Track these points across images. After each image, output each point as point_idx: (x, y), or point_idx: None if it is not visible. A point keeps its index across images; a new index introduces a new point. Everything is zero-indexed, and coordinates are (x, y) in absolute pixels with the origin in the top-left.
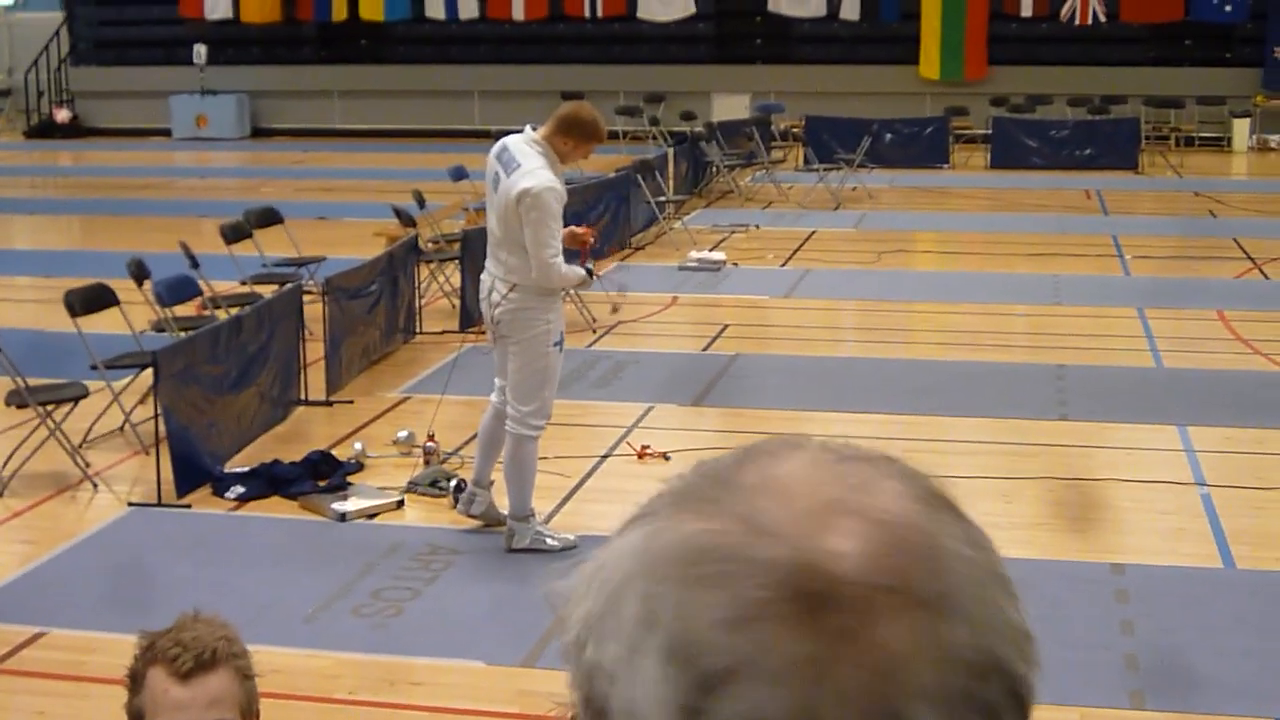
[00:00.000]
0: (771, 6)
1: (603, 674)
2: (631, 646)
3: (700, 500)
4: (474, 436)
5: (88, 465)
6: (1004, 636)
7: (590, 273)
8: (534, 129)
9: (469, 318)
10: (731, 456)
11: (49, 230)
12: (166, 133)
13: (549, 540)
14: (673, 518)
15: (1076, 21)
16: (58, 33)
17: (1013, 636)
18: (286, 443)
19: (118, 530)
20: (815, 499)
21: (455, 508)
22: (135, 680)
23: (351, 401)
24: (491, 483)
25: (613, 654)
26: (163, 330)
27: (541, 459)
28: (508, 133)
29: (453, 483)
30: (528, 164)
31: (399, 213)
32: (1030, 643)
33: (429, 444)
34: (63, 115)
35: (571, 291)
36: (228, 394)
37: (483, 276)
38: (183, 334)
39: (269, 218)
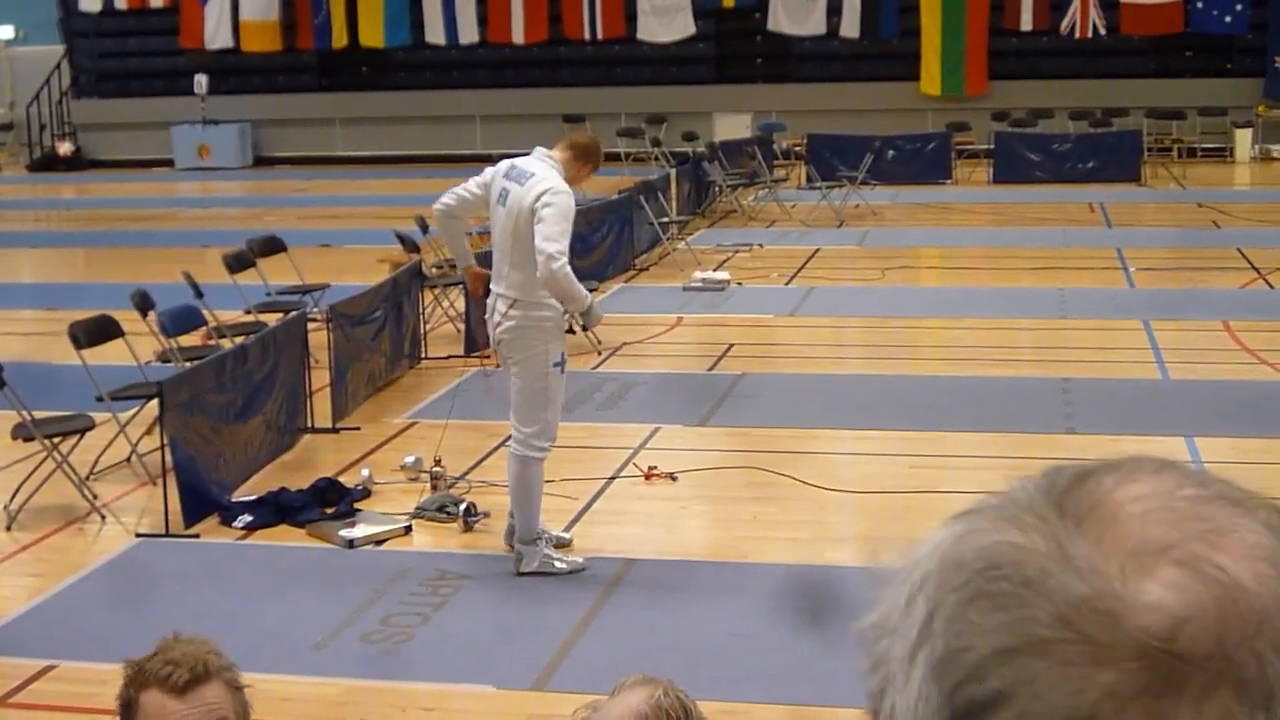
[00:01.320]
0: (771, 26)
1: (887, 671)
2: (910, 651)
3: (1027, 510)
4: (480, 460)
5: (95, 497)
6: None
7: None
8: (544, 149)
9: (473, 342)
10: (1086, 467)
11: (53, 263)
12: (169, 163)
13: (557, 564)
14: (993, 521)
15: (1077, 35)
16: (59, 66)
17: None
18: (293, 470)
19: (126, 561)
20: (1147, 537)
21: (463, 530)
22: (128, 707)
23: (358, 428)
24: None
25: (898, 653)
26: (168, 361)
27: (548, 481)
28: (509, 156)
29: (461, 507)
30: (542, 174)
31: (402, 239)
32: None
33: (436, 469)
34: (65, 148)
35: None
36: (234, 423)
37: (489, 300)
38: (188, 364)
39: (272, 246)
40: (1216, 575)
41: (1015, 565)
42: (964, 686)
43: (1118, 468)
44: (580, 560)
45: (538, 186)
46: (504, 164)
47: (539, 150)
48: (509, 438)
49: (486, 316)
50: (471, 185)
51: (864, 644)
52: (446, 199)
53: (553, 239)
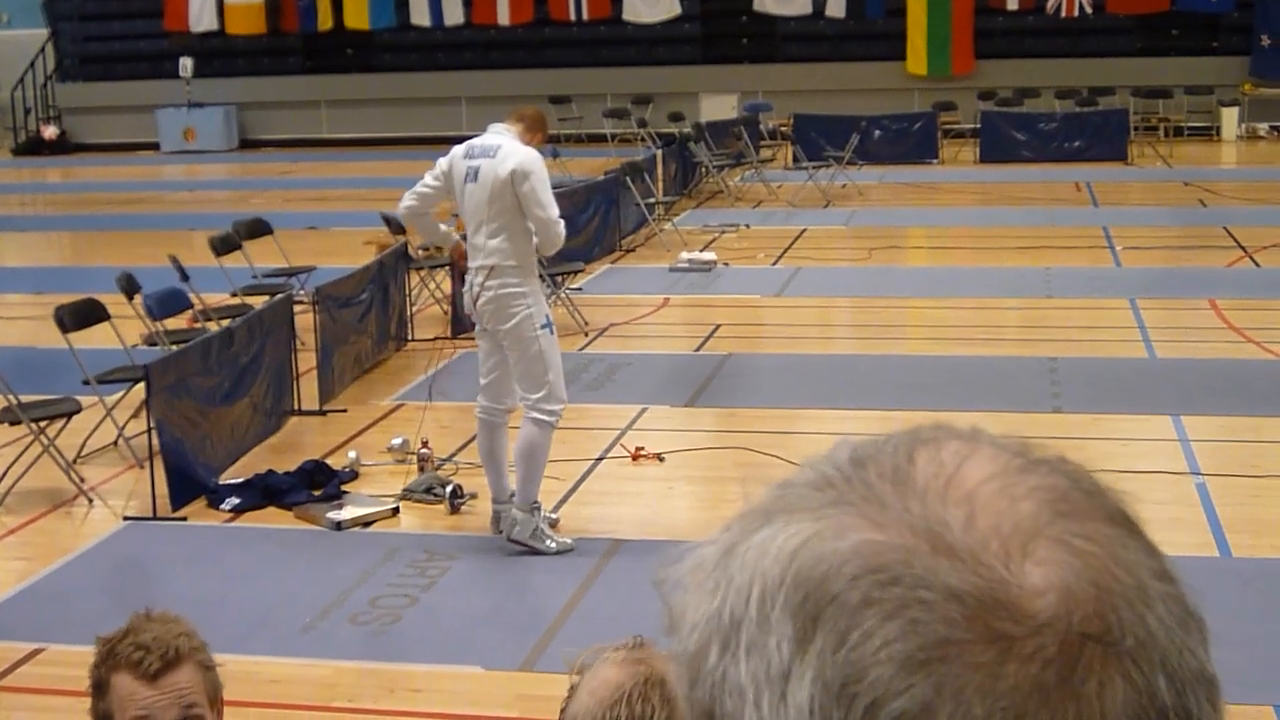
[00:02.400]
0: (757, 6)
1: (733, 691)
2: (782, 669)
3: (866, 500)
4: (468, 442)
5: (82, 480)
6: (1199, 688)
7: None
8: (501, 124)
9: (460, 324)
10: (891, 445)
11: (39, 247)
12: (154, 146)
13: (548, 542)
14: (832, 519)
15: (1063, 14)
16: (43, 49)
17: (1206, 689)
18: (280, 453)
19: (114, 544)
20: (1007, 516)
21: (450, 511)
22: (99, 687)
23: (344, 410)
24: (513, 494)
25: (752, 671)
26: (154, 344)
27: None
28: None
29: (448, 489)
30: (509, 145)
31: (388, 221)
32: (1217, 691)
33: (423, 450)
34: (50, 132)
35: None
36: (221, 406)
37: (467, 277)
38: (174, 347)
39: (258, 229)
40: (1082, 546)
41: (897, 565)
42: (880, 706)
43: (927, 438)
44: (569, 541)
45: (511, 158)
46: (458, 148)
47: (496, 125)
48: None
49: (464, 291)
50: (428, 180)
51: (679, 661)
52: (408, 200)
53: (548, 204)
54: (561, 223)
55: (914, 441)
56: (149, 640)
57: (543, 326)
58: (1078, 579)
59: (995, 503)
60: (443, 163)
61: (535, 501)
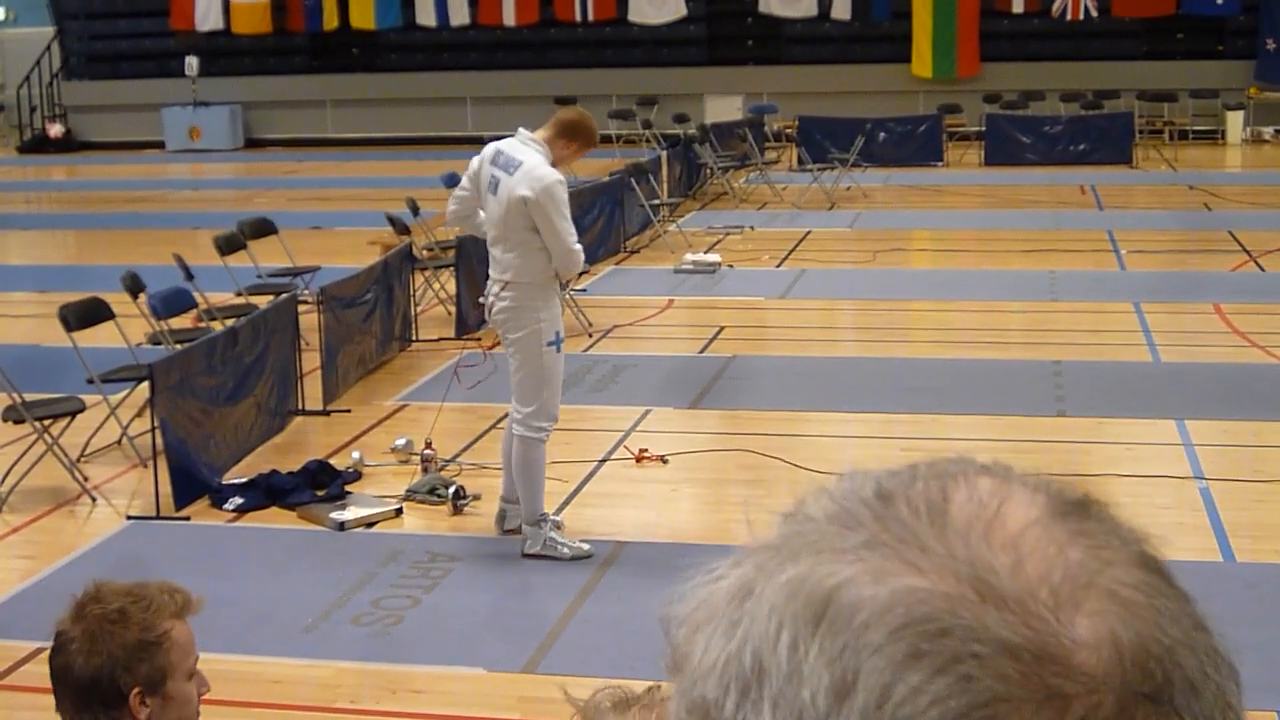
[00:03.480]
0: (763, 8)
1: None
2: None
3: (903, 541)
4: (471, 443)
5: (86, 479)
6: None
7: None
8: (527, 131)
9: (465, 325)
10: (919, 479)
11: (43, 245)
12: (160, 145)
13: (561, 548)
14: (868, 561)
15: (1068, 17)
16: (49, 48)
17: None
18: (284, 453)
19: (117, 543)
20: (1057, 563)
21: (454, 512)
22: (156, 646)
23: (349, 410)
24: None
25: None
26: (158, 343)
27: None
28: (500, 138)
29: (451, 490)
30: (529, 161)
31: (393, 221)
32: None
33: (426, 451)
34: (56, 130)
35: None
36: (224, 405)
37: (487, 284)
38: (178, 346)
39: (263, 228)
40: (1125, 595)
41: (944, 615)
42: None
43: (958, 475)
44: (586, 547)
45: (524, 182)
46: (489, 150)
47: (522, 133)
48: (504, 417)
49: (482, 300)
50: (464, 183)
51: (692, 709)
52: (451, 206)
53: (564, 233)
54: (579, 250)
55: (942, 475)
56: (157, 585)
57: (550, 344)
58: (1127, 631)
59: (1043, 549)
60: (473, 163)
61: (541, 514)
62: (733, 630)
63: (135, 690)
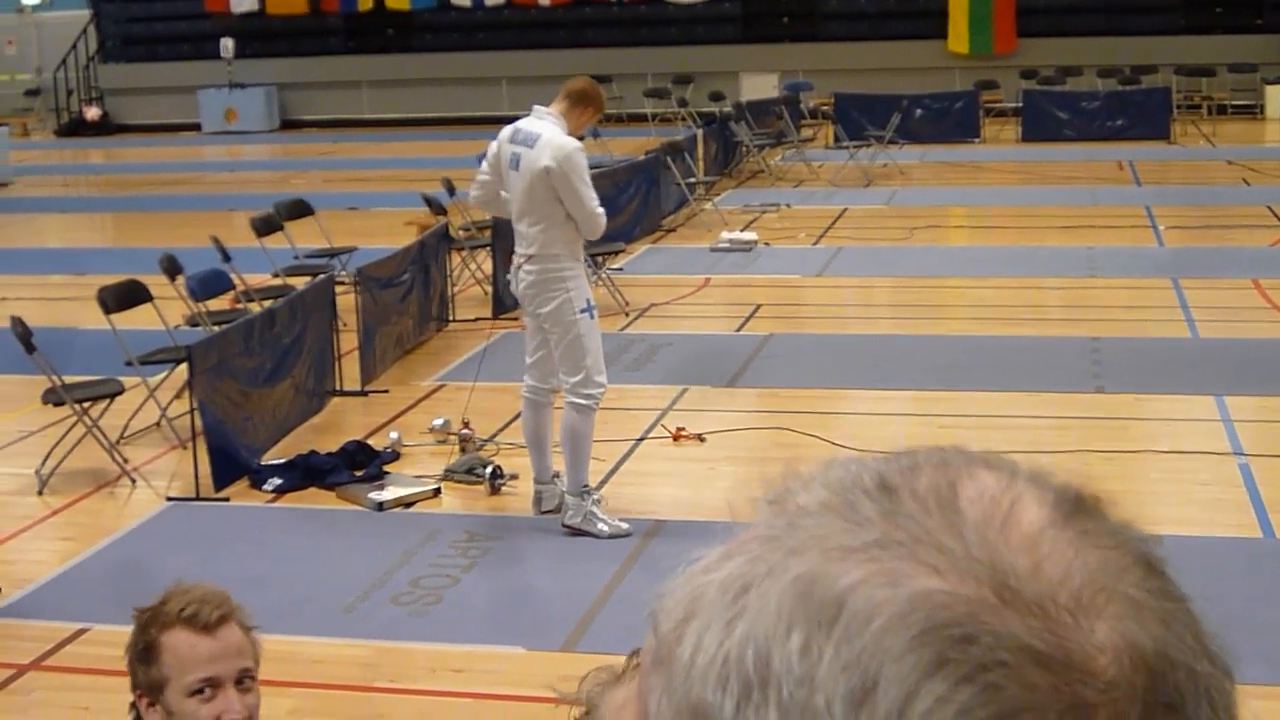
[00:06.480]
0: None
1: None
2: None
3: (916, 540)
4: (509, 423)
5: (125, 461)
6: None
7: None
8: (543, 107)
9: (501, 304)
10: (921, 470)
11: (81, 228)
12: (196, 127)
13: (600, 525)
14: (880, 560)
15: None
16: (85, 31)
17: None
18: (322, 433)
19: (157, 525)
20: (1076, 566)
21: (491, 492)
22: (148, 651)
23: (386, 391)
24: (556, 475)
25: None
26: (196, 325)
27: None
28: None
29: (489, 469)
30: (547, 133)
31: (429, 201)
32: None
33: (464, 431)
34: (93, 113)
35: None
36: (263, 386)
37: (513, 260)
38: (216, 328)
39: (300, 209)
40: (1146, 601)
41: (967, 620)
42: None
43: (960, 468)
44: (625, 525)
45: (546, 150)
46: (505, 131)
47: (537, 108)
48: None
49: (509, 276)
50: (484, 167)
51: (673, 699)
52: (474, 191)
53: (587, 199)
54: (601, 213)
55: (945, 467)
56: (198, 596)
57: (582, 311)
58: (1142, 636)
59: (1060, 551)
60: (492, 147)
61: (585, 485)
62: (729, 628)
63: (139, 693)
